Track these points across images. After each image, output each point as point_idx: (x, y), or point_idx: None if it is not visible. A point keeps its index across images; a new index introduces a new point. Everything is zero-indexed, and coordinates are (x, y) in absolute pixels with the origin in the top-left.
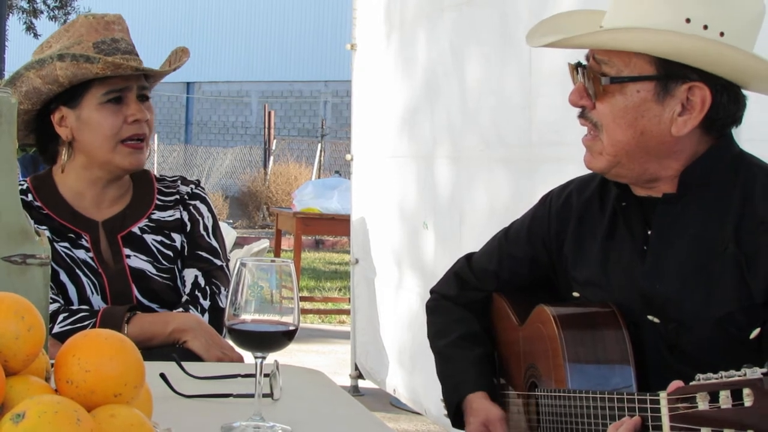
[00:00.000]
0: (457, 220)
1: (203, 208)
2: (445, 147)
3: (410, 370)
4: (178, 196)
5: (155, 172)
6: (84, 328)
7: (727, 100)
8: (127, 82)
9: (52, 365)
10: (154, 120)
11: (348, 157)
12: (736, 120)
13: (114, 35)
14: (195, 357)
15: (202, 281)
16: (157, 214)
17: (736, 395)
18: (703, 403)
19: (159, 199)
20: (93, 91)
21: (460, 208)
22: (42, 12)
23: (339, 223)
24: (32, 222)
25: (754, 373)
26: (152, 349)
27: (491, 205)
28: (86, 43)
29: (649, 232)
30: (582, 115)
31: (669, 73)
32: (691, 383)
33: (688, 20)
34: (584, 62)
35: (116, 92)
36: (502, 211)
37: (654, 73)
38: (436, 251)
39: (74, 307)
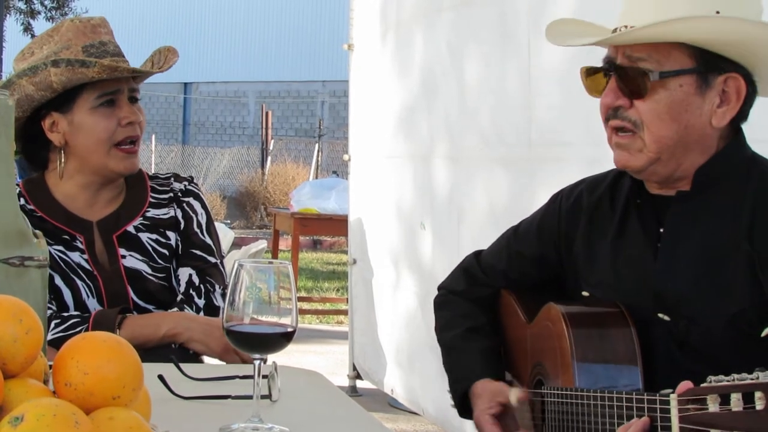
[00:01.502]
0: (455, 220)
1: (197, 205)
2: (444, 146)
3: (408, 370)
4: (171, 194)
5: (152, 173)
6: (76, 334)
7: (752, 92)
8: (119, 84)
9: (51, 368)
10: (152, 120)
11: (345, 157)
12: (748, 114)
13: (101, 38)
14: (194, 356)
15: (196, 280)
16: (152, 212)
17: (748, 398)
18: (713, 405)
19: (153, 197)
20: (85, 95)
21: (459, 207)
22: (39, 13)
23: (337, 224)
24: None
25: (767, 376)
26: (150, 350)
27: (490, 204)
28: (75, 47)
29: (662, 230)
30: (616, 116)
31: (708, 66)
32: (702, 385)
33: (717, 12)
34: (616, 62)
35: (109, 95)
36: (501, 210)
37: (695, 66)
38: (434, 251)
39: (65, 314)
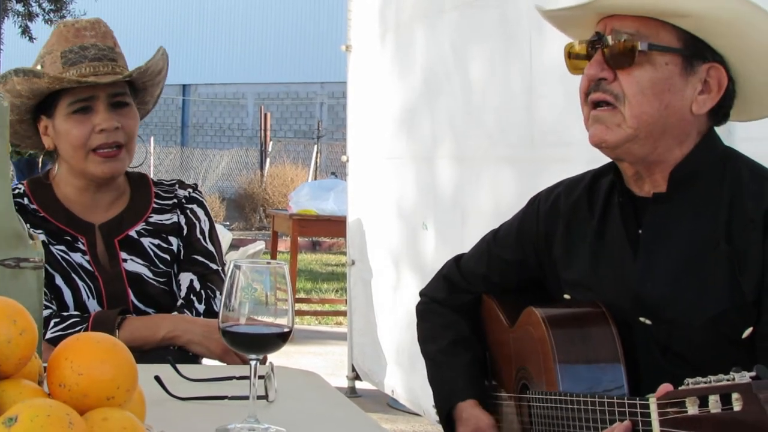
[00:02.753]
0: (459, 221)
1: (200, 212)
2: (447, 147)
3: (409, 370)
4: (175, 200)
5: (151, 175)
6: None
7: (732, 89)
8: (93, 91)
9: (45, 368)
10: (150, 122)
11: (344, 158)
12: (727, 115)
13: (83, 42)
14: (193, 358)
15: (197, 285)
16: (155, 218)
17: (725, 399)
18: (692, 408)
19: (156, 203)
20: (63, 101)
21: (462, 208)
22: (37, 15)
23: (335, 225)
24: (26, 226)
25: (743, 377)
26: (149, 352)
27: (494, 204)
28: (56, 53)
29: (640, 232)
30: (598, 89)
31: (694, 51)
32: (680, 387)
33: None
34: (604, 35)
35: (82, 102)
36: (505, 211)
37: (681, 48)
38: (437, 252)
39: (65, 313)
